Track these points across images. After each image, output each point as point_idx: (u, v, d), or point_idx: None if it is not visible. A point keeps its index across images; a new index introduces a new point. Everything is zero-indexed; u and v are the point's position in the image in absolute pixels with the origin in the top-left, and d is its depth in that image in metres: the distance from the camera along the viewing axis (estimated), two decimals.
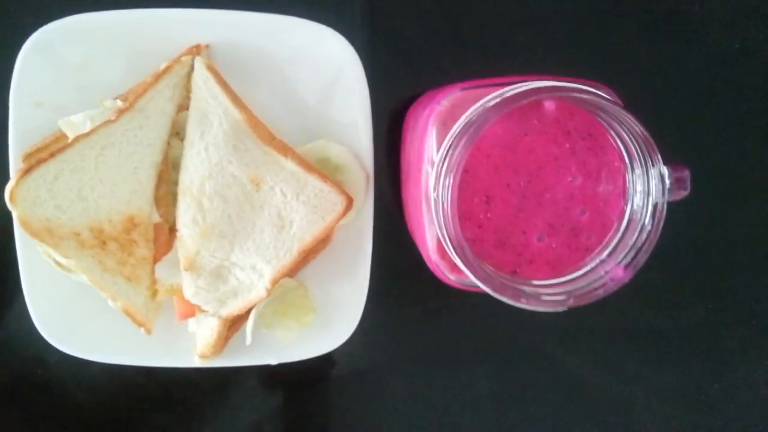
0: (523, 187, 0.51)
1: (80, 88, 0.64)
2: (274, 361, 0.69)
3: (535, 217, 0.52)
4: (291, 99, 0.67)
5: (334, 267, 0.69)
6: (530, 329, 0.75)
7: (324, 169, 0.66)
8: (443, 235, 0.47)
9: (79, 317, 0.67)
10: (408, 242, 0.67)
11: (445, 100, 0.50)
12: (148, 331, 0.65)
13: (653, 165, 0.47)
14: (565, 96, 0.44)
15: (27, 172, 0.59)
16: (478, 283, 0.46)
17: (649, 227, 0.47)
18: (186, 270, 0.63)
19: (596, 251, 0.51)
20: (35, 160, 0.60)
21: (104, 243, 0.62)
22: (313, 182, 0.62)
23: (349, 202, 0.63)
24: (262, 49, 0.65)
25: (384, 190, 0.69)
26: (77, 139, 0.60)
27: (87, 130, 0.62)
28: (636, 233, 0.48)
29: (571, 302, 0.46)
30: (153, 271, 0.65)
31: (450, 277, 0.53)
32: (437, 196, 0.47)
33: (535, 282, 0.49)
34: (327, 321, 0.69)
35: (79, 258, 0.61)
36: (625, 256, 0.48)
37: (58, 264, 0.64)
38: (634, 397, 0.77)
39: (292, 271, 0.66)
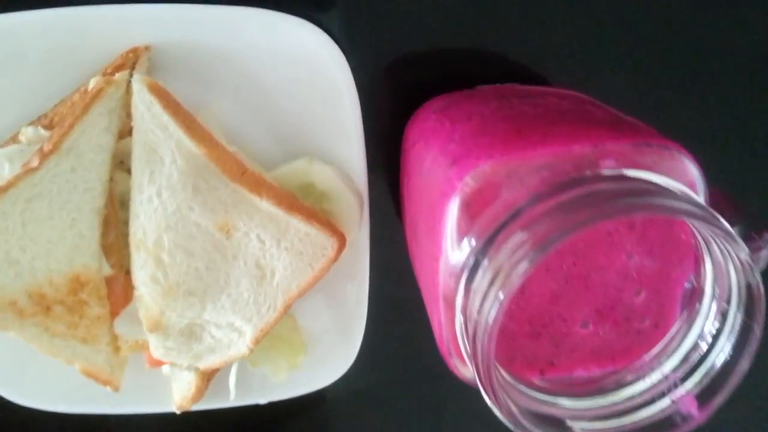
0: (566, 270, 0.41)
1: None
2: (263, 401, 0.61)
3: (579, 302, 0.42)
4: (261, 110, 0.53)
5: (327, 300, 0.59)
6: None
7: (308, 197, 0.54)
8: (468, 356, 0.37)
9: (35, 362, 0.58)
10: (410, 273, 0.57)
11: (469, 177, 0.37)
12: (115, 389, 0.56)
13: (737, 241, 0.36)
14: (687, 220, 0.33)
15: None
16: (501, 417, 0.37)
17: (734, 333, 0.37)
18: (150, 332, 0.53)
19: (656, 349, 0.42)
20: None
21: (48, 308, 0.51)
22: (297, 225, 0.51)
23: (342, 243, 0.52)
24: (219, 50, 0.51)
25: (379, 210, 0.57)
26: None
27: (5, 174, 0.48)
28: (708, 345, 0.38)
29: None
30: (112, 328, 0.54)
31: (462, 373, 0.43)
32: (466, 317, 0.36)
33: (576, 405, 0.40)
34: (321, 355, 0.60)
35: (19, 329, 0.51)
36: (699, 382, 0.38)
37: None
38: None
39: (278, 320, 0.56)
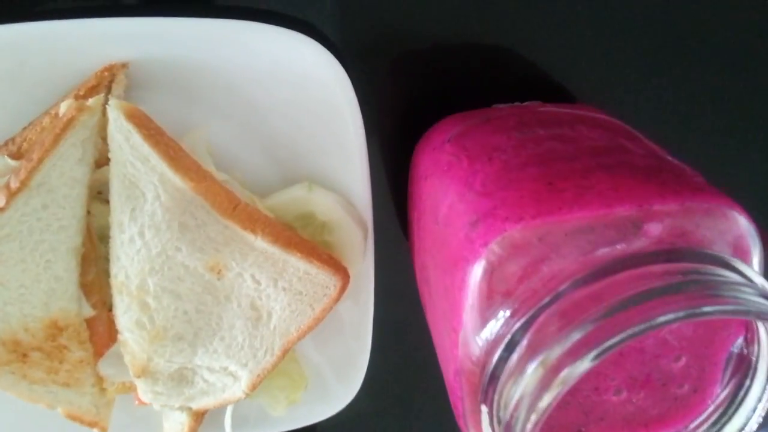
0: None
1: None
2: None
3: (613, 371, 0.37)
4: (255, 132, 0.48)
5: (329, 328, 0.54)
6: None
7: (307, 228, 0.49)
8: None
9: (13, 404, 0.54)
10: (416, 299, 0.53)
11: (495, 244, 0.32)
12: (103, 430, 0.52)
13: None
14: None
15: None
16: None
17: None
18: (137, 377, 0.48)
19: (697, 421, 0.38)
20: None
21: (25, 355, 0.47)
22: (295, 263, 0.46)
23: (345, 281, 0.47)
24: (209, 65, 0.45)
25: (384, 238, 0.52)
26: None
27: None
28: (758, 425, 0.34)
29: None
30: (96, 370, 0.50)
31: None
32: (493, 403, 0.32)
33: None
34: (321, 387, 0.56)
35: None
36: None
37: None
38: None
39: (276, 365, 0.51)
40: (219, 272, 0.46)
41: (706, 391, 0.39)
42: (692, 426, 0.38)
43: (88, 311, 0.48)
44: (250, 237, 0.45)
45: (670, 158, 0.38)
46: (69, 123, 0.42)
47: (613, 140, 0.40)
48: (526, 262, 0.32)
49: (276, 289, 0.46)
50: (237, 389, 0.49)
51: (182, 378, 0.49)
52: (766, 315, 0.26)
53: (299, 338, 0.48)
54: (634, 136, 0.41)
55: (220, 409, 0.54)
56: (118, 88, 0.45)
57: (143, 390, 0.49)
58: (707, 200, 0.33)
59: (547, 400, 0.28)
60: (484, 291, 0.33)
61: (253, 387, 0.49)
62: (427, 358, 0.59)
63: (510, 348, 0.31)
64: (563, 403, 0.38)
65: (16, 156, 0.45)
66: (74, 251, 0.46)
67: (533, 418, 0.28)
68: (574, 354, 0.28)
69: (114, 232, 0.45)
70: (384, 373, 0.58)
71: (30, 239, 0.44)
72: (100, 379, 0.51)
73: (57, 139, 0.42)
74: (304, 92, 0.47)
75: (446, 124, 0.45)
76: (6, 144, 0.46)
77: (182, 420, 0.52)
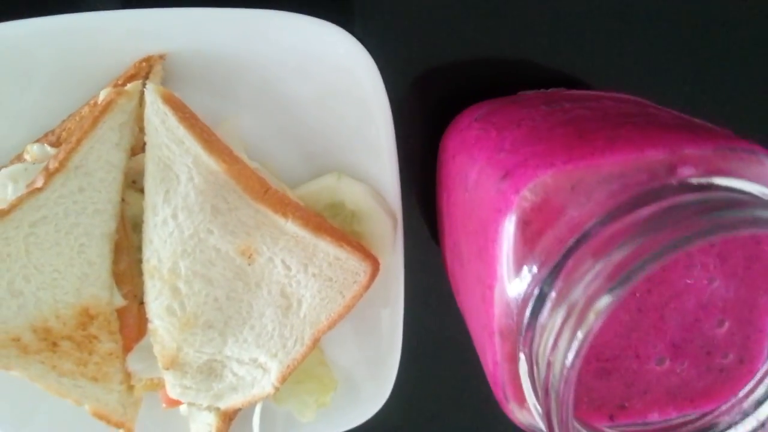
0: (639, 298, 0.35)
1: None
2: None
3: (654, 335, 0.36)
4: (284, 122, 0.49)
5: (358, 330, 0.54)
6: None
7: (337, 218, 0.49)
8: (536, 404, 0.32)
9: (39, 404, 0.53)
10: (448, 298, 0.52)
11: (527, 190, 0.32)
12: (129, 431, 0.51)
13: None
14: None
15: None
16: None
17: None
18: (166, 369, 0.48)
19: (744, 390, 0.36)
20: None
21: (54, 344, 0.47)
22: (325, 248, 0.46)
23: (375, 269, 0.47)
24: (240, 57, 0.47)
25: (414, 230, 0.52)
26: None
27: (8, 196, 0.44)
28: None
29: None
30: (124, 366, 0.50)
31: (521, 419, 0.38)
32: (533, 359, 0.31)
33: None
34: (351, 391, 0.55)
35: (24, 367, 0.46)
36: None
37: None
38: None
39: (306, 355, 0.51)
40: (250, 257, 0.46)
41: (754, 362, 0.37)
42: (740, 394, 0.36)
43: (119, 301, 0.48)
44: (281, 221, 0.45)
45: (700, 121, 0.38)
46: (108, 106, 0.44)
47: (643, 109, 0.40)
48: (558, 208, 0.32)
49: (306, 275, 0.46)
50: (266, 383, 0.48)
51: (211, 371, 0.48)
52: None
53: (329, 327, 0.47)
54: (664, 108, 0.41)
55: (248, 417, 0.53)
56: (155, 79, 0.46)
57: (171, 384, 0.48)
58: (743, 145, 0.32)
59: (581, 334, 0.27)
60: (518, 239, 0.32)
61: (283, 379, 0.48)
62: (461, 362, 0.58)
63: (544, 294, 0.30)
64: (605, 373, 0.37)
65: (56, 145, 0.46)
66: (108, 237, 0.46)
67: (570, 357, 0.27)
68: (605, 283, 0.27)
69: (147, 216, 0.45)
70: (416, 384, 0.57)
71: (65, 222, 0.45)
72: (128, 376, 0.50)
73: (96, 122, 0.43)
74: (333, 82, 0.48)
75: (474, 108, 0.46)
76: (46, 135, 0.47)
77: (210, 421, 0.51)
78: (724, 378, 0.37)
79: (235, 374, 0.48)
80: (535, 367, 0.31)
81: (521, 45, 0.50)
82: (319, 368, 0.55)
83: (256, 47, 0.46)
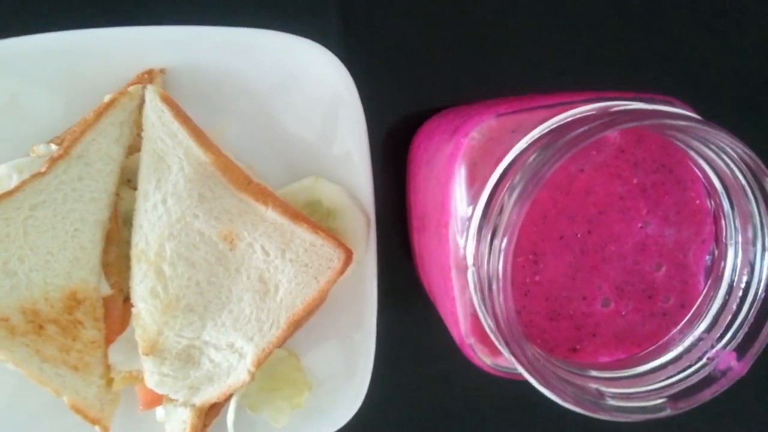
0: (581, 239, 0.39)
1: (5, 134, 0.51)
2: None
3: (598, 276, 0.40)
4: (269, 130, 0.54)
5: (332, 331, 0.56)
6: None
7: (314, 215, 0.53)
8: (487, 320, 0.35)
9: (20, 412, 0.54)
10: (419, 297, 0.55)
11: (475, 131, 0.37)
12: (105, 429, 0.52)
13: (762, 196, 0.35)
14: (668, 125, 0.32)
15: None
16: (540, 388, 0.33)
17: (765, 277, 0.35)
18: (146, 355, 0.50)
19: (684, 322, 0.39)
20: None
21: (41, 327, 0.49)
22: (302, 234, 0.50)
23: (348, 256, 0.51)
24: (230, 71, 0.53)
25: (386, 232, 0.56)
26: None
27: (13, 186, 0.48)
28: (746, 309, 0.35)
29: (668, 410, 0.34)
30: (106, 357, 0.51)
31: (486, 362, 0.40)
32: (479, 267, 0.34)
33: (607, 374, 0.37)
34: (326, 397, 0.56)
35: (9, 349, 0.48)
36: (732, 337, 0.35)
37: None
38: None
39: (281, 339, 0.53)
40: (231, 242, 0.49)
41: (693, 306, 0.40)
42: (679, 327, 0.39)
43: (106, 289, 0.51)
44: (261, 208, 0.49)
45: None
46: (111, 103, 0.49)
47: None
48: (501, 149, 0.36)
49: (283, 261, 0.50)
50: (242, 370, 0.50)
51: (189, 358, 0.50)
52: (676, 116, 0.30)
53: (304, 312, 0.50)
54: None
55: (222, 425, 0.54)
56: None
57: (150, 372, 0.50)
58: (655, 95, 0.38)
59: (515, 213, 0.31)
60: (467, 178, 0.37)
61: (258, 363, 0.50)
62: (434, 367, 0.60)
63: (486, 209, 0.34)
64: (555, 315, 0.40)
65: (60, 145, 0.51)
66: (101, 224, 0.50)
67: (495, 249, 0.31)
68: (523, 183, 0.31)
69: (139, 203, 0.49)
70: (389, 387, 0.58)
71: (63, 207, 0.48)
72: (108, 370, 0.52)
73: (99, 116, 0.49)
74: (313, 94, 0.53)
75: (441, 112, 0.52)
76: (53, 139, 0.52)
77: (185, 418, 0.52)
78: (668, 322, 0.40)
79: (212, 361, 0.50)
80: (481, 273, 0.34)
81: (492, 59, 0.57)
82: (295, 375, 0.56)
83: (244, 62, 0.52)
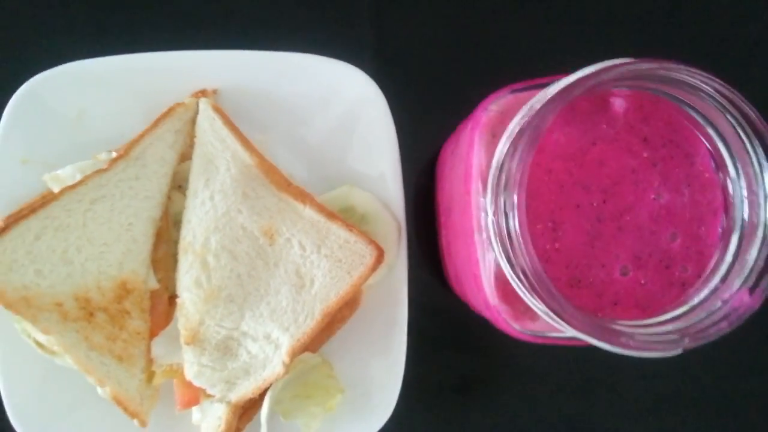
0: (597, 207, 0.42)
1: (73, 142, 0.57)
2: None
3: (615, 245, 0.42)
4: (307, 144, 0.59)
5: (364, 338, 0.58)
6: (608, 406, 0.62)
7: (348, 221, 0.57)
8: (508, 266, 0.37)
9: (61, 408, 0.57)
10: (449, 304, 0.57)
11: (493, 105, 0.41)
12: (143, 423, 0.54)
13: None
14: (647, 73, 0.36)
15: (3, 231, 0.50)
16: (562, 326, 0.35)
17: None
18: (187, 344, 0.52)
19: (698, 284, 0.40)
20: (14, 218, 0.52)
21: (91, 314, 0.52)
22: (337, 231, 0.53)
23: (380, 254, 0.53)
24: (274, 90, 0.58)
25: (416, 242, 0.59)
26: (63, 191, 0.52)
27: None
28: (757, 248, 0.37)
29: (687, 342, 0.35)
30: (148, 350, 0.54)
31: (515, 327, 0.42)
32: (498, 218, 0.37)
33: (631, 323, 0.38)
34: (358, 404, 0.57)
35: (61, 333, 0.51)
36: (746, 278, 0.37)
37: (39, 345, 0.54)
38: None
39: (315, 345, 0.55)
40: (271, 237, 0.53)
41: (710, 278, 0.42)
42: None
43: (154, 283, 0.54)
44: (299, 206, 0.53)
45: None
46: (169, 112, 0.55)
47: None
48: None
49: (319, 256, 0.53)
50: (277, 362, 0.52)
51: (227, 349, 0.53)
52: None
53: (337, 305, 0.52)
54: None
55: None
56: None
57: (190, 362, 0.52)
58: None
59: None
60: (487, 147, 0.40)
61: (293, 354, 0.52)
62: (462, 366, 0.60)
63: (506, 163, 0.37)
64: (576, 282, 0.42)
65: None
66: (153, 221, 0.54)
67: (510, 199, 0.34)
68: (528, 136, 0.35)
69: (189, 201, 0.54)
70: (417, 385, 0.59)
71: (120, 203, 0.53)
72: (150, 363, 0.54)
73: (157, 123, 0.54)
74: (349, 112, 0.58)
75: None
76: (114, 149, 0.58)
77: (220, 414, 0.54)
78: (687, 290, 0.42)
79: (248, 352, 0.52)
80: (499, 219, 0.37)
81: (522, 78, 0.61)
82: (327, 381, 0.58)
83: (286, 82, 0.58)
